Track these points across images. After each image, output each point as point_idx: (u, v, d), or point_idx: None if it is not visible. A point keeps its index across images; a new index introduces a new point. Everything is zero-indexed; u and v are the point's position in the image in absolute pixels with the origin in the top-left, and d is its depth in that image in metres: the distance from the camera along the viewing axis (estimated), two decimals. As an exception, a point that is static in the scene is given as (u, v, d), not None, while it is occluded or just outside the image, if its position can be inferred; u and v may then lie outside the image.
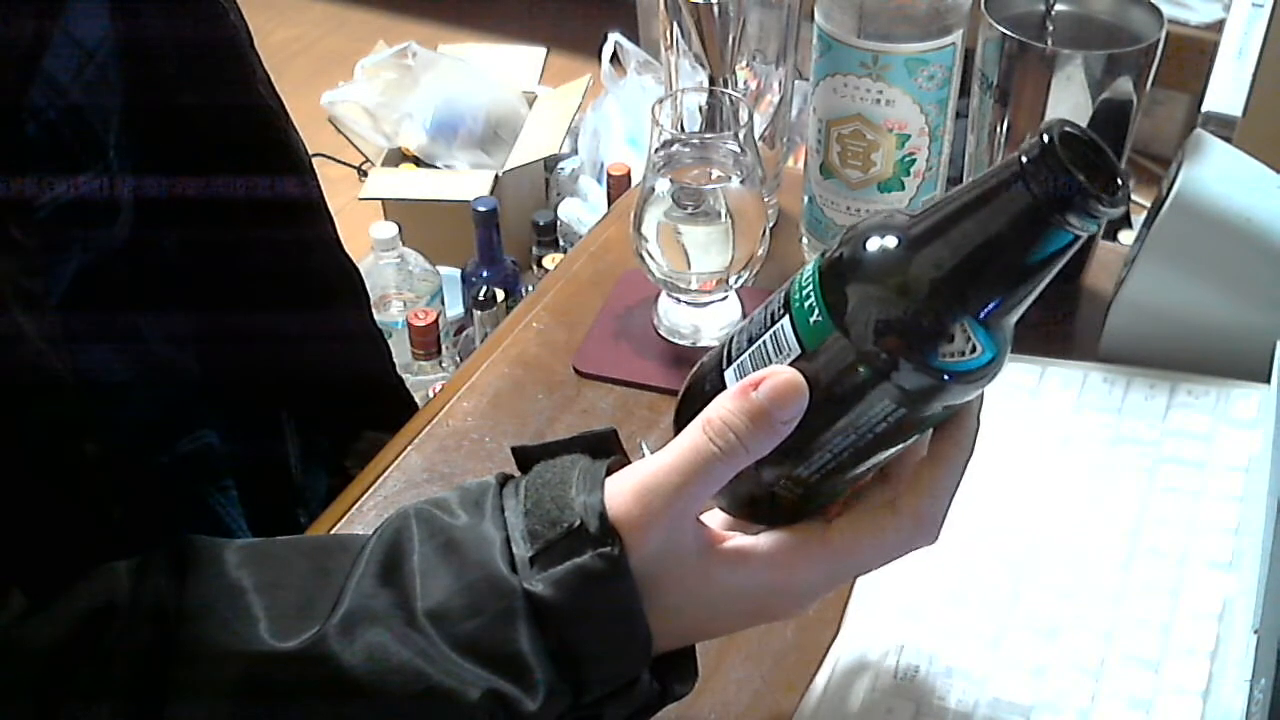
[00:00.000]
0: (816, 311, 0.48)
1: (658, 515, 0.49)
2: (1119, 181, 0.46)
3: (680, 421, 0.53)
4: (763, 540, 0.51)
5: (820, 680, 0.59)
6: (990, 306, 0.47)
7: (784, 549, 0.51)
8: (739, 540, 0.52)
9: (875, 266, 0.47)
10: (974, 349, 0.47)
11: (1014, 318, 0.48)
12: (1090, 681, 0.58)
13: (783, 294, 0.50)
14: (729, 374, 0.51)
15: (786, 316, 0.49)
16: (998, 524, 0.64)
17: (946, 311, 0.46)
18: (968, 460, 0.52)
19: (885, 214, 0.49)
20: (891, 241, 0.47)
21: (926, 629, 0.61)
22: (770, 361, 0.49)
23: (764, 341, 0.50)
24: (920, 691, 0.58)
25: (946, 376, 0.47)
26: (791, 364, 0.49)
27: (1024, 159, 0.45)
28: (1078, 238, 0.46)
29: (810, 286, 0.48)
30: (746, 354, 0.51)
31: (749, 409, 0.48)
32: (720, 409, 0.49)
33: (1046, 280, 0.47)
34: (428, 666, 0.48)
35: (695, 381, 0.54)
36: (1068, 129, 0.46)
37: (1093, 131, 0.47)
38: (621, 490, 0.50)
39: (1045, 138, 0.45)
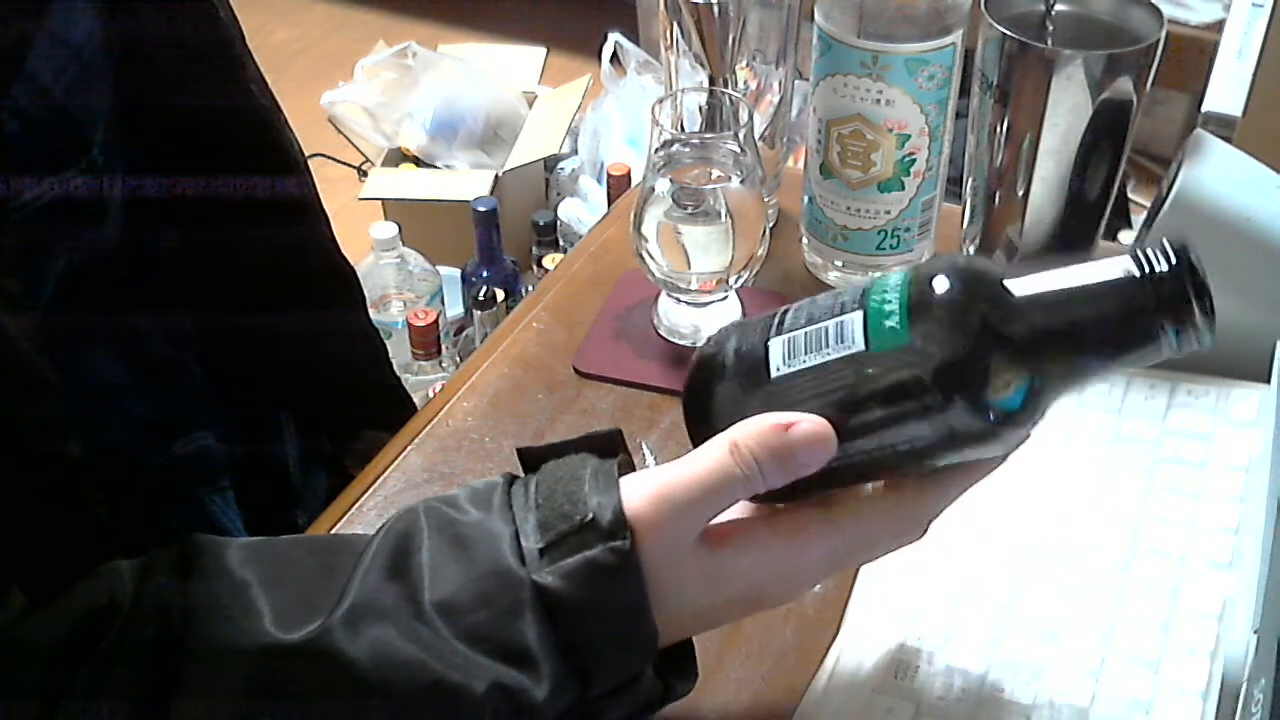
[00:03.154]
0: (895, 318, 0.48)
1: (671, 522, 0.50)
2: (1210, 316, 0.48)
3: (694, 401, 0.54)
4: (763, 522, 0.52)
5: (820, 680, 0.59)
6: (1059, 375, 0.49)
7: (788, 528, 0.51)
8: (741, 523, 0.52)
9: (975, 308, 0.48)
10: (1027, 405, 0.48)
11: (1068, 390, 0.50)
12: (1090, 681, 0.58)
13: (859, 290, 0.51)
14: (774, 344, 0.52)
15: (860, 311, 0.49)
16: (998, 523, 0.64)
17: (1020, 368, 0.48)
18: (978, 480, 0.53)
19: (988, 258, 0.50)
20: (998, 290, 0.48)
21: (926, 629, 0.61)
22: (826, 346, 0.50)
23: (826, 327, 0.50)
24: (920, 691, 0.58)
25: (992, 418, 0.48)
26: (847, 356, 0.49)
27: (1155, 263, 0.47)
28: (1158, 349, 0.48)
29: (896, 294, 0.49)
30: (801, 331, 0.51)
31: (777, 448, 0.49)
32: (749, 438, 0.49)
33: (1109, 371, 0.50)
34: (434, 660, 0.48)
35: (728, 349, 0.53)
36: (1195, 254, 0.47)
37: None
38: (637, 493, 0.50)
39: (1190, 258, 0.47)
